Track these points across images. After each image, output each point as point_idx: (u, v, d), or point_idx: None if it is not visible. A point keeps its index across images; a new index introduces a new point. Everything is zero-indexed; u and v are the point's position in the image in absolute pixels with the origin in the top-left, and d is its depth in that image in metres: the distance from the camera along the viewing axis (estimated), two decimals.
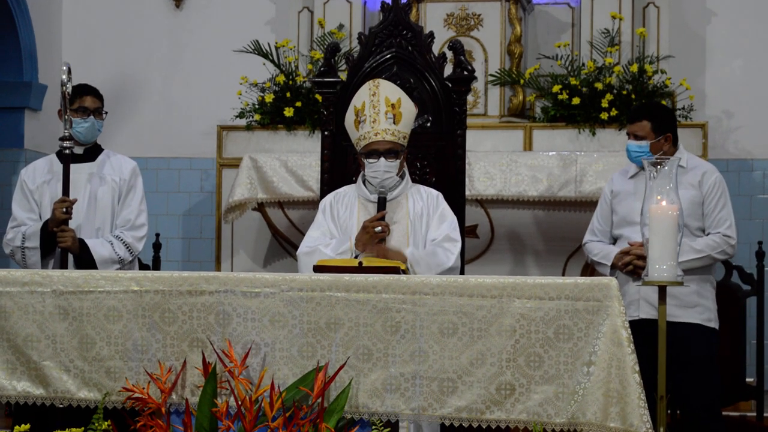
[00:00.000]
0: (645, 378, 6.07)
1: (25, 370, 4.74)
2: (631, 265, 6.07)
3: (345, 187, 6.03)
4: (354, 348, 4.51)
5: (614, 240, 6.32)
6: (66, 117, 6.15)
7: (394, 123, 5.78)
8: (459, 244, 5.83)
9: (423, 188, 6.00)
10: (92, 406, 4.63)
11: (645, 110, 6.35)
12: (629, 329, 4.39)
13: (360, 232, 5.76)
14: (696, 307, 6.12)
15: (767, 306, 7.62)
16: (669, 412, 5.36)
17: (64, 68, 6.14)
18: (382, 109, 5.77)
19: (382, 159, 5.77)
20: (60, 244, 6.15)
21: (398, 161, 5.82)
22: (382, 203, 5.81)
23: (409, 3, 8.74)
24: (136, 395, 4.56)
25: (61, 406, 4.73)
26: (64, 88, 6.12)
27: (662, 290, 4.63)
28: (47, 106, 9.53)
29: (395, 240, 5.81)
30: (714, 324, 6.19)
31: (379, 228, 5.71)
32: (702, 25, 9.42)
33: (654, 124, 6.23)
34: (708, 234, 6.16)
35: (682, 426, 6.27)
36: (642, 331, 6.07)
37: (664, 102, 8.58)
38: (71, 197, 6.14)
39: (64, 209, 6.12)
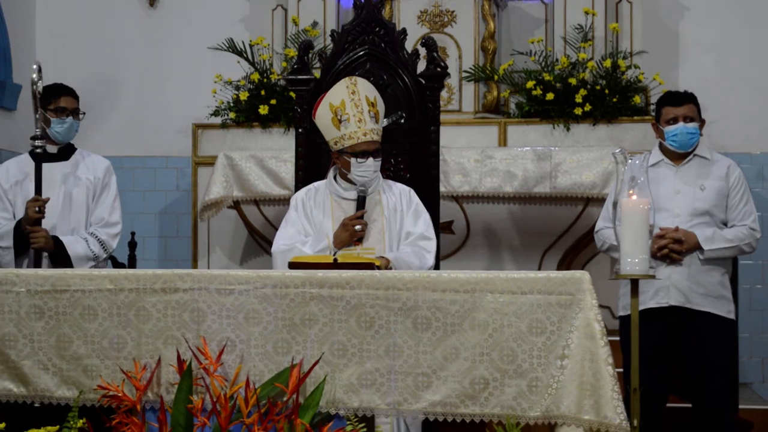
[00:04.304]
0: (662, 366, 6.12)
1: (5, 369, 4.75)
2: (666, 249, 6.09)
3: (315, 184, 6.02)
4: (329, 344, 4.52)
5: None
6: (37, 116, 6.16)
7: (376, 122, 5.80)
8: (434, 242, 5.86)
9: (394, 184, 6.01)
10: (72, 404, 4.64)
11: (688, 94, 6.38)
12: (602, 322, 4.41)
13: (339, 229, 5.76)
14: (720, 298, 6.18)
15: (740, 298, 7.65)
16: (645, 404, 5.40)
17: (34, 67, 6.16)
18: (365, 109, 5.77)
19: (371, 158, 5.78)
20: (33, 245, 6.16)
21: (381, 159, 5.85)
22: (361, 202, 5.82)
23: (382, 0, 8.81)
24: (111, 393, 4.56)
25: (38, 405, 4.74)
26: (34, 87, 6.12)
27: (635, 284, 4.66)
28: (22, 106, 9.51)
29: (372, 237, 5.82)
30: (733, 315, 6.27)
31: (359, 227, 5.72)
32: (675, 20, 9.46)
33: (697, 108, 6.31)
34: (733, 226, 6.21)
35: (694, 418, 6.30)
36: (669, 318, 6.13)
37: (637, 97, 8.62)
38: (45, 196, 6.15)
39: (37, 208, 6.13)
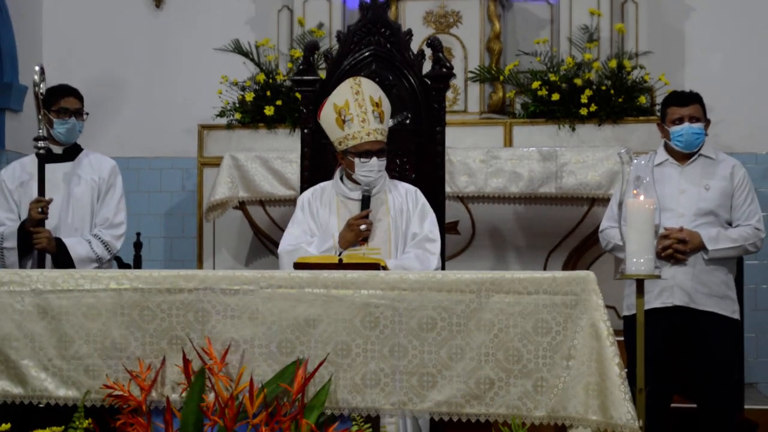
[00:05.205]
0: (666, 366, 6.11)
1: (4, 369, 4.73)
2: (670, 249, 6.08)
3: (322, 184, 6.02)
4: (333, 344, 4.52)
5: None
6: (39, 117, 6.17)
7: (380, 122, 5.79)
8: (438, 243, 5.85)
9: (400, 183, 6.01)
10: (70, 404, 4.64)
11: (694, 94, 6.36)
12: (608, 322, 4.40)
13: (344, 229, 5.76)
14: (724, 298, 6.18)
15: (746, 298, 7.64)
16: (651, 402, 5.41)
17: (36, 69, 6.17)
18: (369, 108, 5.77)
19: (374, 158, 5.78)
20: (35, 246, 6.16)
21: (386, 159, 5.84)
22: (366, 201, 5.82)
23: (388, 1, 8.82)
24: (117, 393, 4.56)
25: (42, 406, 4.73)
26: (36, 88, 6.14)
27: (640, 284, 4.65)
28: (28, 107, 9.51)
29: (378, 237, 5.81)
30: (737, 315, 6.27)
31: (364, 226, 5.72)
32: (680, 20, 9.45)
33: (702, 108, 6.29)
34: (738, 226, 6.20)
35: (698, 418, 6.29)
36: (674, 318, 6.12)
37: (643, 97, 8.61)
38: (48, 197, 6.16)
39: (40, 209, 6.14)
